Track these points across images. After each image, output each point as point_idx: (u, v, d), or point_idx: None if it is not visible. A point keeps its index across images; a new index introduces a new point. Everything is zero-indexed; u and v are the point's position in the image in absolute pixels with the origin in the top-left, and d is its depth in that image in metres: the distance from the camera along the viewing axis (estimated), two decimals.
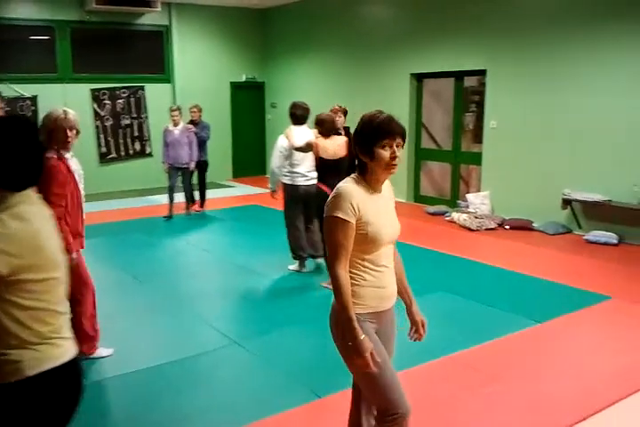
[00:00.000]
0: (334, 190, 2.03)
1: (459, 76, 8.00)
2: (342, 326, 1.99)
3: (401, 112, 8.55)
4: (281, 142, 5.24)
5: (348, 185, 2.03)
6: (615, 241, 6.04)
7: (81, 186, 3.42)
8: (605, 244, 6.01)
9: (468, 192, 8.06)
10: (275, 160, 5.30)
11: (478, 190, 7.86)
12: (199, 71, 10.59)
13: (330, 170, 4.71)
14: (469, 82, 8.16)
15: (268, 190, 5.69)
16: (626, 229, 6.13)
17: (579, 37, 6.37)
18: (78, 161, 3.61)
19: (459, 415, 2.95)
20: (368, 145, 2.00)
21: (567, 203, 6.45)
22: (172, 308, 4.48)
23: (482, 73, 7.53)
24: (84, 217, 3.47)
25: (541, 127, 6.87)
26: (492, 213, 7.34)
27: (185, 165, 7.57)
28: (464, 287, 4.78)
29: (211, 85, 10.69)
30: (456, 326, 4.03)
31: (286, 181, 5.24)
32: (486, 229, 6.86)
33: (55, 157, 3.15)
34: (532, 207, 6.98)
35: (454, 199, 8.14)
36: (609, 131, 6.21)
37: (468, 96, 8.39)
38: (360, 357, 1.95)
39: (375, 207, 2.04)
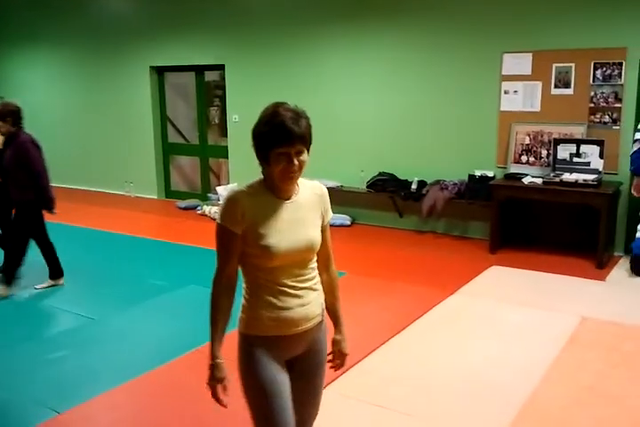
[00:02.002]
0: (225, 195, 1.76)
1: (199, 70, 8.06)
2: None
3: (143, 106, 8.34)
4: None
5: (239, 189, 1.77)
6: (349, 222, 6.72)
7: None
8: (341, 225, 6.63)
9: (219, 185, 8.20)
10: None
11: (228, 183, 8.04)
12: None
13: None
14: (212, 76, 8.27)
15: None
16: (357, 210, 6.84)
17: (310, 36, 6.86)
18: None
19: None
20: (263, 149, 1.71)
21: None
22: None
23: (222, 68, 7.68)
24: None
25: None
26: None
27: None
28: None
29: None
30: (205, 317, 4.10)
31: None
32: None
33: None
34: None
35: (205, 193, 8.22)
36: (339, 123, 6.82)
37: (212, 90, 8.50)
38: (207, 382, 1.78)
39: (277, 217, 1.75)
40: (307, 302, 1.82)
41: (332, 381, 3.19)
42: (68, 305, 4.46)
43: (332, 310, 1.98)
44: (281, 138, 1.66)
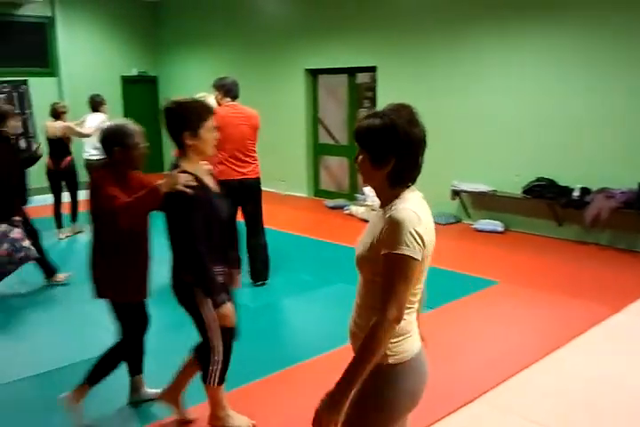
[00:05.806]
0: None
1: (351, 72, 8.17)
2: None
3: (297, 107, 8.63)
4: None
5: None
6: (501, 229, 6.43)
7: None
8: (492, 232, 6.38)
9: (365, 185, 8.27)
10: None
11: None
12: (87, 65, 10.09)
13: None
14: (363, 78, 8.35)
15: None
16: (510, 217, 6.53)
17: (463, 37, 6.68)
18: None
19: None
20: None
21: (456, 194, 6.77)
22: None
23: (373, 70, 7.73)
24: None
25: (430, 122, 7.12)
26: None
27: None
28: None
29: (100, 79, 10.20)
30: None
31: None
32: None
33: None
34: (424, 198, 7.26)
35: (352, 193, 8.32)
36: (492, 125, 6.57)
37: (362, 92, 8.58)
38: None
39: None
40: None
41: (485, 392, 3.07)
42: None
43: None
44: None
